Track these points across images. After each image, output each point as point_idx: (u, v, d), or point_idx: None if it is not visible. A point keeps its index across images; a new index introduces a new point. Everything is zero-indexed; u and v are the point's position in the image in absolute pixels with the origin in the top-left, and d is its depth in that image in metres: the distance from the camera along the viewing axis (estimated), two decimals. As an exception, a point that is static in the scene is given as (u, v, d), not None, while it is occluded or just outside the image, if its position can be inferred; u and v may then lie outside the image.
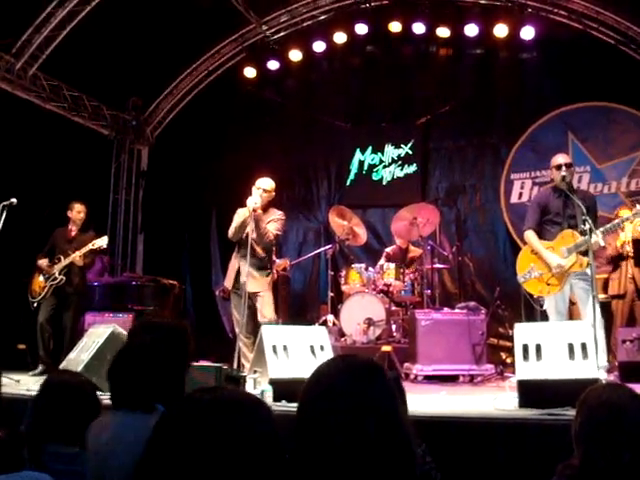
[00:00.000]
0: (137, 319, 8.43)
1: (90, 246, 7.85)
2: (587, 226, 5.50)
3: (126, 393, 2.60)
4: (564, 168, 6.22)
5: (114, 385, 2.67)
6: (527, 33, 9.97)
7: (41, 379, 6.81)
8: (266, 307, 6.80)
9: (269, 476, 1.40)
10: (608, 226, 5.97)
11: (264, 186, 6.90)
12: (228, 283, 7.03)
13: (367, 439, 1.57)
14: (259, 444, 1.40)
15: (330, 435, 1.58)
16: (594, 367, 4.49)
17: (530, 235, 6.30)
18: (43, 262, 7.95)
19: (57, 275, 7.86)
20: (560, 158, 6.37)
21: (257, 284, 6.77)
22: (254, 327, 6.69)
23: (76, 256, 7.82)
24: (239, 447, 1.36)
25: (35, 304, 7.91)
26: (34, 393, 5.24)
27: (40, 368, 7.59)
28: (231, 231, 6.99)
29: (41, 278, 7.94)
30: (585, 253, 5.81)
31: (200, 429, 1.36)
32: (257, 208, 6.69)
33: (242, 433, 1.38)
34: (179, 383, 2.85)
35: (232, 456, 1.35)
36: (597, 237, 5.66)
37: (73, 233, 8.20)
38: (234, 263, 6.98)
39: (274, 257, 8.93)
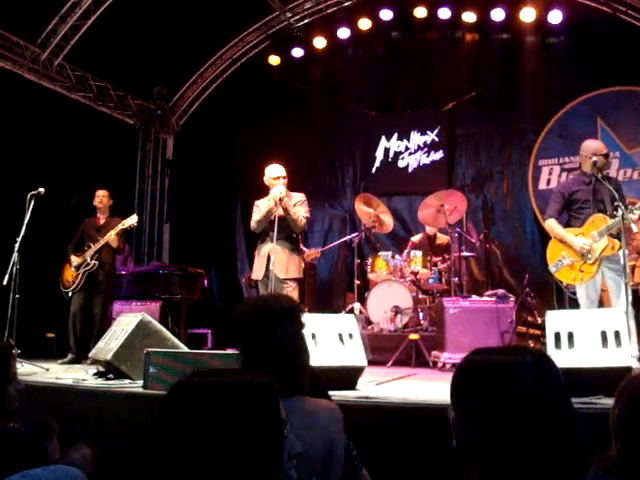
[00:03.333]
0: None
1: (120, 226, 7.90)
2: (620, 211, 5.40)
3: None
4: (606, 157, 6.13)
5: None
6: (555, 17, 9.83)
7: (71, 367, 6.92)
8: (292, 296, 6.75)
9: (270, 456, 1.41)
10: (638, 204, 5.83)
11: (283, 173, 6.88)
12: (258, 272, 6.92)
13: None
14: (258, 426, 1.40)
15: None
16: (628, 355, 4.42)
17: (552, 223, 6.21)
18: (75, 259, 7.99)
19: (89, 261, 7.91)
20: (603, 147, 6.25)
21: (288, 270, 6.71)
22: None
23: (111, 234, 7.86)
24: (237, 429, 1.37)
25: (70, 293, 7.96)
26: (63, 382, 5.31)
27: (69, 357, 7.66)
28: (255, 223, 6.90)
29: (73, 268, 7.99)
30: (617, 237, 5.73)
31: (198, 412, 1.38)
32: (284, 197, 6.68)
33: (240, 416, 1.39)
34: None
35: (230, 439, 1.36)
36: (629, 218, 5.57)
37: (102, 221, 8.26)
38: (262, 252, 6.91)
39: (302, 245, 8.95)
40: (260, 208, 6.88)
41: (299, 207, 6.85)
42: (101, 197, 8.29)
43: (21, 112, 9.34)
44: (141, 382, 5.02)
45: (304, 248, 9.26)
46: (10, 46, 9.44)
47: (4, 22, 9.06)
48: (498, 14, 10.09)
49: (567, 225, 6.17)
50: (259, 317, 2.52)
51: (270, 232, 6.65)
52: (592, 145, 6.30)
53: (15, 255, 6.93)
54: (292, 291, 6.74)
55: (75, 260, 7.97)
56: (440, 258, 8.99)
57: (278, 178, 6.82)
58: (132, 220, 8.02)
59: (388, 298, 8.49)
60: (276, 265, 6.61)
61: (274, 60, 11.47)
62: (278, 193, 6.66)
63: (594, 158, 6.05)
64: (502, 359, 1.71)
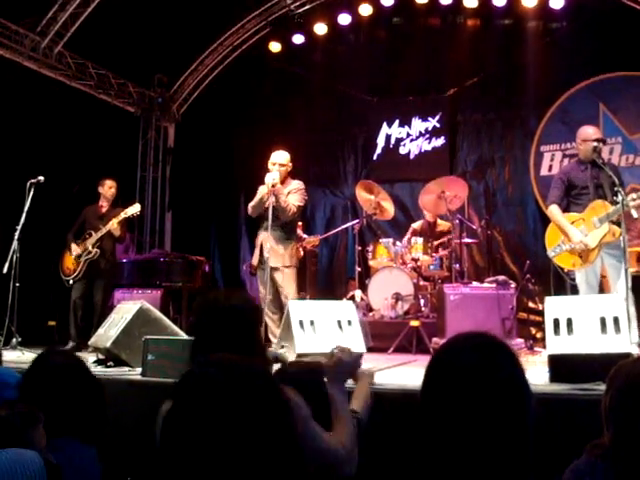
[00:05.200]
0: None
1: (123, 215, 7.91)
2: (619, 197, 5.40)
3: None
4: (599, 143, 6.11)
5: None
6: (556, 2, 9.76)
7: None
8: (287, 285, 6.75)
9: (283, 443, 1.41)
10: None
11: (279, 160, 6.87)
12: (255, 259, 7.03)
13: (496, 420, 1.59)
14: (271, 415, 1.41)
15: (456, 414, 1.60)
16: (627, 341, 4.41)
17: (554, 210, 6.21)
18: (75, 248, 7.98)
19: (91, 249, 7.91)
20: (594, 133, 6.25)
21: (278, 258, 6.74)
22: (280, 303, 6.68)
23: (113, 223, 7.85)
24: (252, 420, 1.37)
25: (71, 281, 7.96)
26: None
27: (70, 345, 7.67)
28: (250, 208, 7.01)
29: (74, 257, 7.98)
30: (617, 223, 5.72)
31: (216, 404, 1.38)
32: (275, 184, 6.66)
33: (254, 406, 1.39)
34: None
35: (245, 430, 1.36)
36: (629, 205, 5.56)
37: (104, 209, 8.24)
38: (259, 239, 6.98)
39: (302, 232, 8.94)
40: (257, 194, 6.92)
41: (293, 195, 6.84)
42: (110, 186, 8.27)
43: (21, 101, 9.33)
44: (140, 369, 5.03)
45: (304, 235, 9.27)
46: (9, 34, 9.39)
47: (3, 10, 9.02)
48: (499, -1, 10.03)
49: (566, 211, 6.17)
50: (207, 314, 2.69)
51: (265, 221, 6.67)
52: (584, 131, 6.31)
53: (15, 243, 6.95)
54: (286, 278, 6.75)
55: (76, 249, 7.97)
56: (440, 244, 8.98)
57: (275, 164, 6.83)
58: (135, 209, 8.02)
59: (389, 285, 8.48)
60: (270, 253, 6.64)
61: (275, 47, 11.43)
62: (271, 180, 6.67)
63: (592, 144, 6.05)
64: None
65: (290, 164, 6.98)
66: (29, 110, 9.41)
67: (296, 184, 6.96)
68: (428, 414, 1.66)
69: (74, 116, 10.18)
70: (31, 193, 7.10)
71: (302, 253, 9.10)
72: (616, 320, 4.50)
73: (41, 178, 7.15)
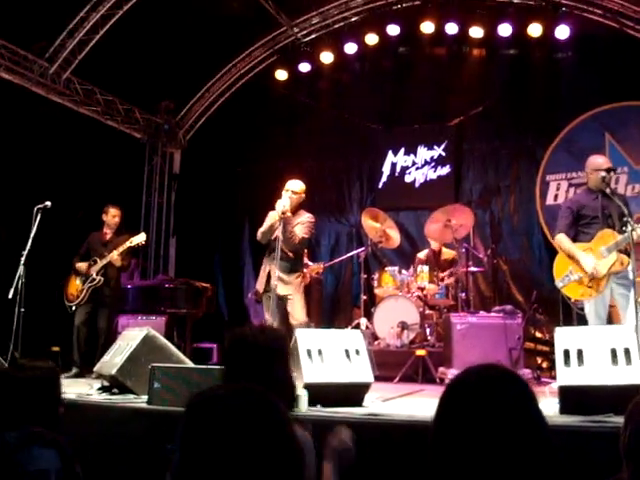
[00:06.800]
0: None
1: (128, 244, 7.89)
2: (629, 227, 5.38)
3: None
4: (609, 173, 6.12)
5: None
6: (562, 32, 9.82)
7: (75, 381, 6.88)
8: (297, 310, 6.75)
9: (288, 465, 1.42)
10: None
11: (293, 188, 6.87)
12: (260, 286, 6.99)
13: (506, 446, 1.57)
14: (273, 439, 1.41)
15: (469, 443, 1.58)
16: (638, 373, 4.36)
17: (562, 238, 6.17)
18: (82, 265, 7.98)
19: (95, 276, 7.89)
20: (604, 162, 6.25)
21: (286, 287, 6.72)
22: (286, 331, 6.65)
23: (114, 255, 7.85)
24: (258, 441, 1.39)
25: (73, 307, 7.94)
26: (67, 396, 5.27)
27: (74, 371, 7.63)
28: (259, 234, 6.99)
29: (78, 281, 7.98)
30: (626, 252, 5.70)
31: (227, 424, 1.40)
32: (286, 211, 6.65)
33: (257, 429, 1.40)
34: None
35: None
36: (638, 233, 5.54)
37: (108, 236, 8.24)
38: (265, 266, 6.95)
39: (307, 260, 8.91)
40: (267, 219, 6.91)
41: (300, 226, 6.82)
42: (114, 215, 8.28)
43: (29, 126, 9.37)
44: (146, 397, 4.98)
45: (309, 262, 9.24)
46: (18, 60, 9.46)
47: (13, 36, 9.10)
48: (505, 29, 10.08)
49: (574, 240, 6.14)
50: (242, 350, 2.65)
51: (273, 249, 6.64)
52: (595, 161, 6.30)
53: (21, 268, 6.92)
54: (296, 305, 6.74)
55: (82, 266, 7.95)
56: (446, 273, 8.96)
57: (287, 190, 6.83)
58: (140, 238, 8.00)
59: (395, 313, 8.44)
60: (278, 282, 6.61)
61: (281, 75, 11.50)
62: (281, 207, 6.66)
63: (602, 174, 6.04)
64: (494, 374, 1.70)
65: (303, 195, 6.97)
66: (36, 135, 9.45)
67: (307, 217, 6.94)
68: (441, 446, 1.64)
69: (81, 141, 10.20)
70: (38, 218, 7.09)
71: (308, 280, 9.06)
72: (627, 351, 4.46)
73: (48, 203, 7.15)
